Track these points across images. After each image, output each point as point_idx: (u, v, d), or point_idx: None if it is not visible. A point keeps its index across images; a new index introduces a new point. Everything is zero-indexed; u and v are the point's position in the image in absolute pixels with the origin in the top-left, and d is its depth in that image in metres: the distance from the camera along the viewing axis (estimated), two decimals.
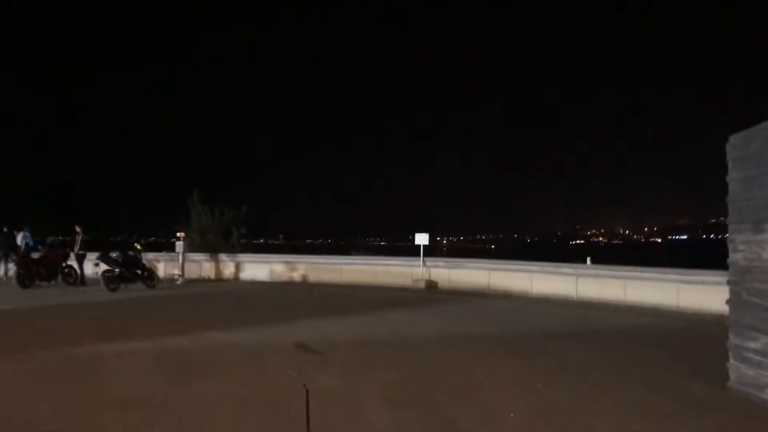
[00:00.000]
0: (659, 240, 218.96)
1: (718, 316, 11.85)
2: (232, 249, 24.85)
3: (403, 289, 17.90)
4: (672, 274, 13.17)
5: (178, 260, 21.21)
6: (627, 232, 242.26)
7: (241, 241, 26.55)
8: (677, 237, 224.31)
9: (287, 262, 21.19)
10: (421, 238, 18.43)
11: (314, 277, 20.46)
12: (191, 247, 24.43)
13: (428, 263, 18.42)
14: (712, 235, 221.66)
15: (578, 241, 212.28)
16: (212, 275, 22.12)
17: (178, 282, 20.55)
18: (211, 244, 25.16)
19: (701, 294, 12.52)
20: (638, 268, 14.04)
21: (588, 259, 15.41)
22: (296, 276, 20.88)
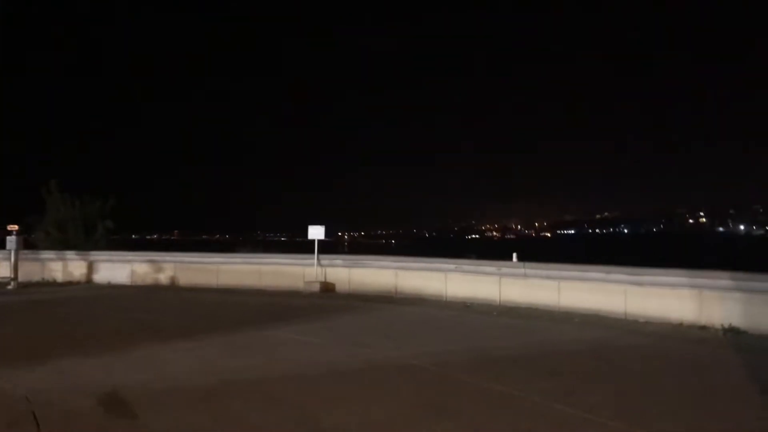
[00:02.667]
0: (549, 234, 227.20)
1: (679, 327, 9.61)
2: (96, 246, 20.89)
3: (294, 294, 14.74)
4: (618, 274, 10.82)
5: (10, 260, 16.92)
6: (519, 227, 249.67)
7: (113, 237, 22.73)
8: (566, 231, 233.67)
9: (152, 262, 17.42)
10: (316, 232, 15.33)
11: (185, 279, 16.85)
12: (48, 243, 20.65)
13: (324, 261, 15.36)
14: (597, 230, 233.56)
15: (474, 236, 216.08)
16: (59, 277, 18.00)
17: (9, 287, 16.33)
18: (71, 240, 21.06)
19: (656, 299, 10.24)
20: (576, 266, 11.64)
21: (514, 255, 12.92)
22: (163, 278, 17.18)
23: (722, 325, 9.27)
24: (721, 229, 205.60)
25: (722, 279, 9.42)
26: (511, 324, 10.33)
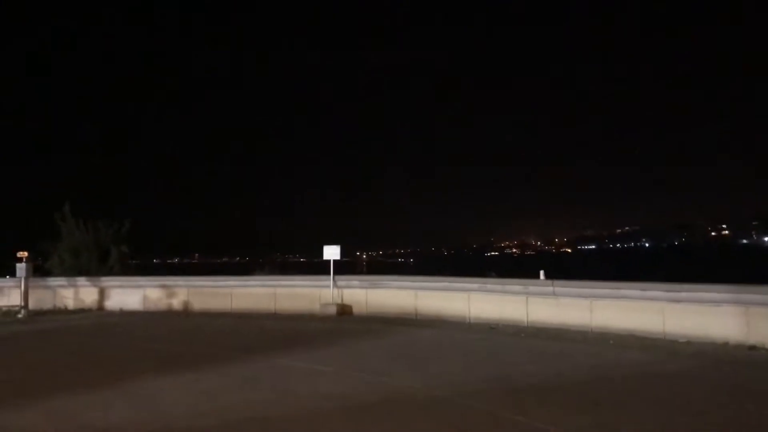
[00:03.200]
0: (569, 250, 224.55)
1: (725, 348, 8.84)
2: (110, 271, 20.50)
3: (310, 317, 14.13)
4: (655, 291, 10.06)
5: (20, 287, 16.51)
6: (538, 243, 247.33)
7: (131, 261, 22.38)
8: (586, 247, 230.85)
9: (164, 287, 16.91)
10: (331, 252, 14.73)
11: (198, 304, 16.31)
12: (61, 269, 20.12)
13: (340, 282, 14.74)
14: (618, 245, 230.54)
15: (493, 253, 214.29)
16: (71, 305, 17.56)
17: (19, 315, 15.90)
18: (84, 266, 20.66)
19: (697, 316, 9.48)
20: (609, 284, 10.90)
21: (541, 273, 12.21)
22: (176, 303, 16.65)
23: None
24: (744, 241, 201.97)
25: None
26: (542, 347, 9.60)
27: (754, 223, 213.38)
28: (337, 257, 14.70)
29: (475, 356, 9.04)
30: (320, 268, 17.14)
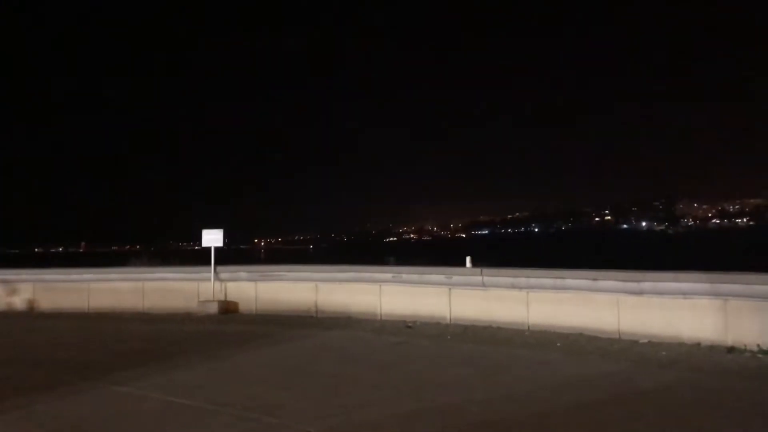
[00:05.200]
0: (464, 236, 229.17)
1: (698, 350, 7.18)
2: None
3: (185, 317, 11.51)
4: (609, 280, 8.30)
5: None
6: (435, 228, 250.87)
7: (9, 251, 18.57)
8: (480, 232, 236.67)
9: (3, 281, 13.64)
10: (211, 237, 12.14)
11: (48, 302, 13.17)
12: None
13: (223, 275, 12.16)
14: (510, 230, 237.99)
15: (391, 239, 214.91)
16: None
17: None
18: None
19: (661, 311, 7.78)
20: (550, 272, 9.06)
21: (468, 259, 10.24)
22: (18, 302, 13.41)
23: (759, 345, 6.87)
24: (624, 226, 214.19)
25: (758, 284, 7.01)
26: (476, 355, 7.60)
27: (633, 209, 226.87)
28: (219, 244, 12.14)
29: (395, 373, 6.87)
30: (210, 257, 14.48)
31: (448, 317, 9.79)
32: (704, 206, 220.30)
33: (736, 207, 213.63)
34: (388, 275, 10.62)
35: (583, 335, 8.27)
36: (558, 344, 8.00)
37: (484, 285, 9.51)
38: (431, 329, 9.38)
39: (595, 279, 8.42)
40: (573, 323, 8.47)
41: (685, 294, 7.55)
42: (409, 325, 9.73)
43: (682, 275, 7.73)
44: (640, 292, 7.93)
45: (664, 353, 7.19)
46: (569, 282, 8.74)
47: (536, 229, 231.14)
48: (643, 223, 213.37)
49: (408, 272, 10.61)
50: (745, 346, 6.95)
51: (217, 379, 6.66)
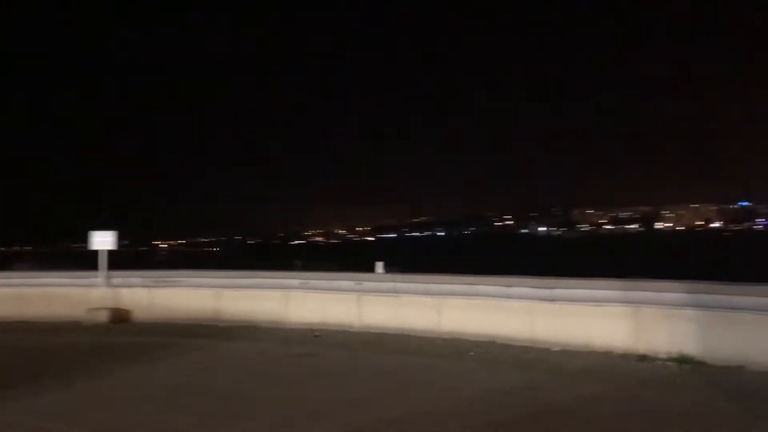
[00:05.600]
0: (372, 239, 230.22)
1: (610, 357, 7.14)
2: None
3: (72, 326, 10.50)
4: (523, 287, 8.16)
5: None
6: (343, 231, 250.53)
7: None
8: (387, 235, 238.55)
9: None
10: (102, 240, 11.17)
11: None
12: None
13: (116, 280, 11.22)
14: (416, 233, 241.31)
15: (299, 242, 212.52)
16: None
17: None
18: None
19: (574, 319, 7.71)
20: (464, 278, 8.86)
21: (379, 264, 9.87)
22: None
23: (669, 353, 6.88)
24: (525, 230, 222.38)
25: (669, 292, 7.05)
26: (388, 367, 7.26)
27: (532, 214, 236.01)
28: (111, 247, 11.19)
29: (301, 388, 6.40)
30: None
31: (358, 325, 9.39)
32: (598, 212, 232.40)
33: (627, 214, 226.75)
34: (296, 281, 10.12)
35: (495, 343, 8.09)
36: (471, 353, 7.78)
37: (395, 291, 9.18)
38: (341, 338, 8.95)
39: (508, 286, 8.28)
40: (486, 330, 8.28)
41: (597, 301, 7.51)
42: (317, 334, 9.25)
43: (594, 282, 7.72)
44: (553, 299, 7.84)
45: (577, 362, 7.10)
46: (482, 288, 8.56)
47: (442, 234, 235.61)
48: (542, 228, 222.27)
49: (316, 278, 10.16)
50: (656, 353, 6.96)
51: (101, 399, 5.95)
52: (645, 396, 5.77)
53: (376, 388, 6.25)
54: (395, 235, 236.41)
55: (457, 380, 6.55)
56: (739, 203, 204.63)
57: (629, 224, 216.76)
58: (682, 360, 6.72)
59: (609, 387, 6.12)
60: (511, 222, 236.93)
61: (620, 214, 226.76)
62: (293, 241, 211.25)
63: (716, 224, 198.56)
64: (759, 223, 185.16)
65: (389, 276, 9.45)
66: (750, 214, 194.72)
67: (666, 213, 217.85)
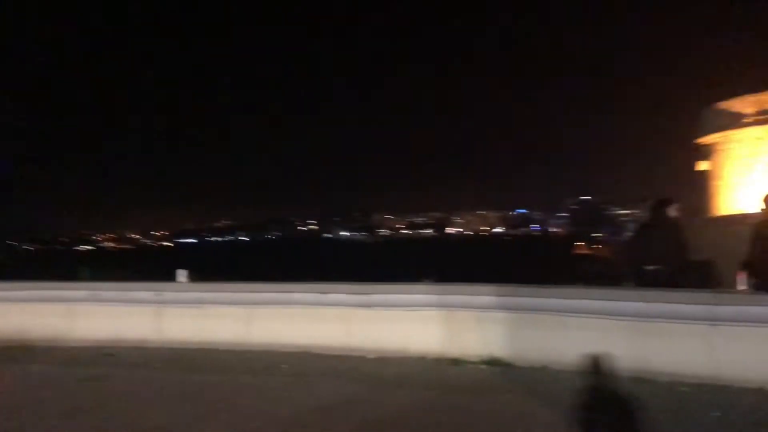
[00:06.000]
0: (170, 244, 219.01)
1: (424, 362, 7.12)
2: None
3: None
4: (339, 293, 7.83)
5: None
6: (137, 236, 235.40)
7: None
8: (187, 240, 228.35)
9: None
10: None
11: None
12: None
13: None
14: (217, 238, 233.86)
15: (87, 247, 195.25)
16: None
17: None
18: None
19: (390, 324, 7.56)
20: (275, 285, 8.32)
21: (181, 273, 8.94)
22: None
23: (480, 356, 6.99)
24: (329, 235, 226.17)
25: (481, 295, 7.15)
26: (192, 387, 6.51)
27: (335, 219, 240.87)
28: None
29: (87, 421, 5.46)
30: None
31: (159, 340, 8.44)
32: (396, 217, 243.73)
33: (422, 219, 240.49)
34: (83, 293, 8.87)
35: (310, 353, 7.69)
36: (284, 366, 7.30)
37: (201, 302, 8.40)
38: (137, 356, 7.96)
39: (323, 292, 7.93)
40: (301, 341, 7.85)
41: (414, 306, 7.45)
42: (108, 352, 8.15)
43: (411, 287, 7.66)
44: (370, 305, 7.64)
45: (394, 369, 6.95)
46: (296, 296, 8.13)
47: (246, 238, 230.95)
48: (345, 233, 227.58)
49: (108, 289, 8.99)
50: (468, 357, 7.03)
51: None
52: (463, 402, 5.74)
53: (177, 415, 5.53)
54: (195, 240, 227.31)
55: (269, 399, 6.03)
56: (517, 210, 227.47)
57: (424, 229, 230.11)
58: (493, 362, 6.86)
59: (428, 394, 6.02)
60: (316, 226, 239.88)
61: (416, 219, 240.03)
62: (79, 246, 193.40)
63: (499, 229, 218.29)
64: (534, 229, 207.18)
65: (193, 285, 8.65)
66: (526, 220, 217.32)
67: (456, 219, 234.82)
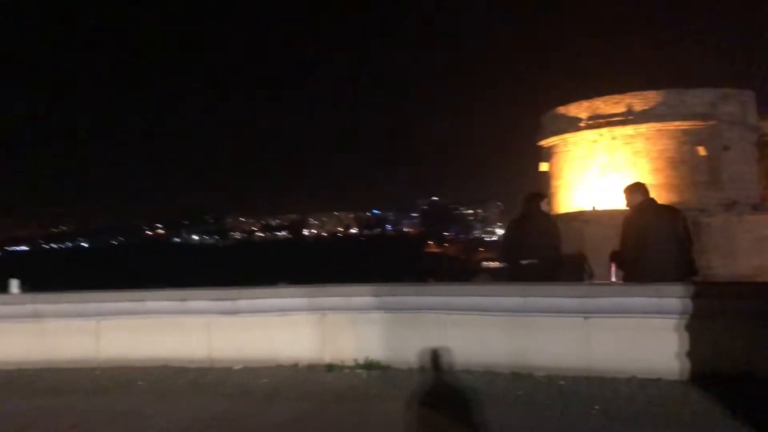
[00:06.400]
0: None
1: (296, 370, 6.73)
2: None
3: None
4: (200, 300, 7.15)
5: None
6: None
7: None
8: (19, 248, 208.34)
9: None
10: None
11: None
12: None
13: None
14: (54, 245, 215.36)
15: None
16: None
17: None
18: None
19: (259, 331, 7.01)
20: (127, 294, 7.39)
21: (14, 282, 7.70)
22: None
23: (356, 360, 6.68)
24: (177, 239, 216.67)
25: (355, 296, 6.82)
26: (27, 414, 5.62)
27: (185, 222, 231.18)
28: None
29: None
30: None
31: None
32: (250, 220, 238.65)
33: (277, 221, 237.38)
34: None
35: (169, 367, 6.98)
36: (140, 383, 6.55)
37: (38, 315, 7.36)
38: None
39: (183, 300, 7.23)
40: (158, 354, 7.10)
41: (283, 310, 6.97)
42: None
43: (281, 290, 7.18)
44: (235, 312, 7.06)
45: (264, 380, 6.44)
46: (152, 305, 7.34)
47: (86, 245, 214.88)
48: (195, 237, 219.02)
49: None
50: (343, 362, 6.70)
51: None
52: (339, 411, 5.41)
53: None
54: (28, 248, 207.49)
55: (123, 422, 5.34)
56: (373, 211, 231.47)
57: (279, 231, 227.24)
58: (370, 366, 6.56)
59: (302, 406, 5.60)
60: (163, 231, 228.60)
61: (271, 221, 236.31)
62: None
63: (354, 230, 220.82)
64: (388, 229, 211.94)
65: (28, 297, 7.58)
66: (381, 221, 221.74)
67: (312, 220, 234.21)
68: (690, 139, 29.39)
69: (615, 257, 6.96)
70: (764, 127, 30.94)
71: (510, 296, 6.20)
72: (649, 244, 6.42)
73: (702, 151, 29.13)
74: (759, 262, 26.02)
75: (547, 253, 6.97)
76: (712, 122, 29.13)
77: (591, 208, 29.44)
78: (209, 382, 6.49)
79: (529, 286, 6.32)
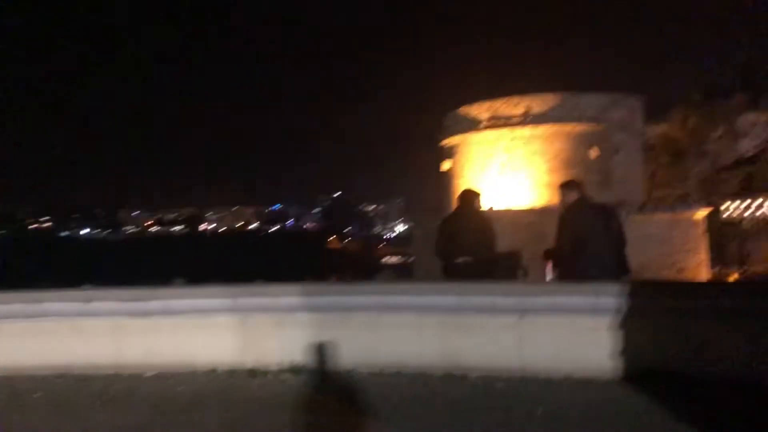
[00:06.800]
0: None
1: (215, 376, 6.41)
2: None
3: None
4: (107, 301, 6.55)
5: None
6: None
7: None
8: None
9: None
10: None
11: None
12: None
13: None
14: None
15: None
16: None
17: None
18: None
19: (173, 334, 6.56)
20: (24, 295, 6.72)
21: None
22: None
23: (280, 363, 6.37)
24: (66, 233, 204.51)
25: (280, 296, 6.50)
26: None
27: (75, 215, 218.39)
28: None
29: None
30: None
31: None
32: (145, 214, 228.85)
33: (173, 215, 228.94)
34: None
35: (72, 375, 6.41)
36: (38, 394, 5.96)
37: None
38: None
39: (87, 301, 6.66)
40: (59, 361, 6.51)
41: (202, 312, 6.58)
42: None
43: (198, 290, 6.75)
44: (147, 314, 6.58)
45: (181, 388, 6.02)
46: (50, 306, 6.70)
47: None
48: (85, 231, 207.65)
49: None
50: (267, 366, 6.38)
51: None
52: (271, 421, 5.14)
53: None
54: None
55: None
56: (274, 206, 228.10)
57: (175, 226, 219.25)
58: (295, 370, 6.27)
59: (228, 415, 5.26)
60: (49, 224, 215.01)
61: (166, 215, 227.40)
62: None
63: (254, 225, 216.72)
64: (290, 224, 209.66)
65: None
66: (283, 216, 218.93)
67: (210, 215, 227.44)
68: (583, 141, 30.86)
69: (549, 255, 6.99)
70: (647, 132, 32.99)
71: (446, 295, 6.11)
72: (584, 242, 6.47)
73: (594, 153, 30.69)
74: (643, 259, 27.76)
75: (482, 251, 6.92)
76: (603, 126, 30.74)
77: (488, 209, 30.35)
78: (119, 392, 5.99)
79: (463, 285, 6.24)
